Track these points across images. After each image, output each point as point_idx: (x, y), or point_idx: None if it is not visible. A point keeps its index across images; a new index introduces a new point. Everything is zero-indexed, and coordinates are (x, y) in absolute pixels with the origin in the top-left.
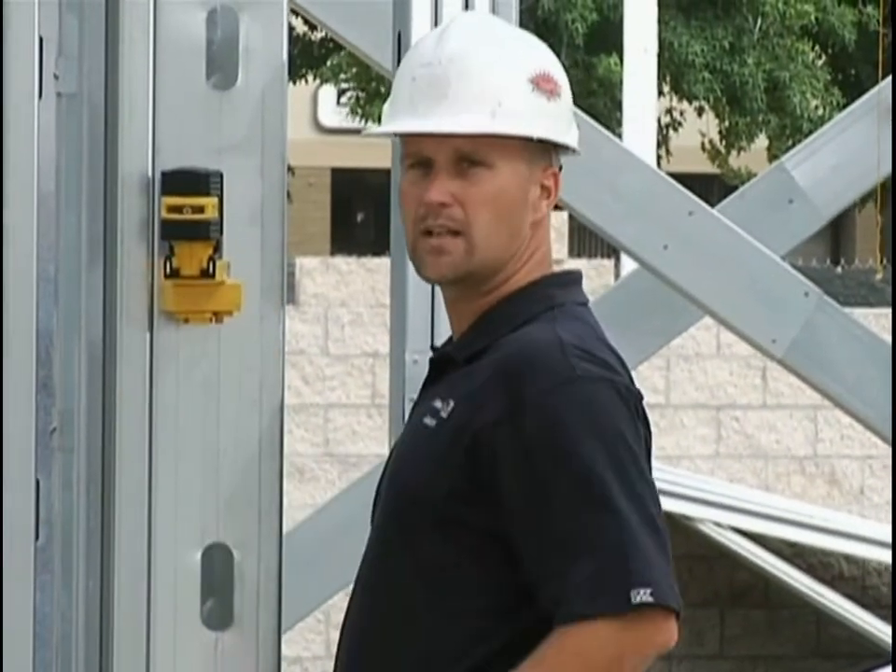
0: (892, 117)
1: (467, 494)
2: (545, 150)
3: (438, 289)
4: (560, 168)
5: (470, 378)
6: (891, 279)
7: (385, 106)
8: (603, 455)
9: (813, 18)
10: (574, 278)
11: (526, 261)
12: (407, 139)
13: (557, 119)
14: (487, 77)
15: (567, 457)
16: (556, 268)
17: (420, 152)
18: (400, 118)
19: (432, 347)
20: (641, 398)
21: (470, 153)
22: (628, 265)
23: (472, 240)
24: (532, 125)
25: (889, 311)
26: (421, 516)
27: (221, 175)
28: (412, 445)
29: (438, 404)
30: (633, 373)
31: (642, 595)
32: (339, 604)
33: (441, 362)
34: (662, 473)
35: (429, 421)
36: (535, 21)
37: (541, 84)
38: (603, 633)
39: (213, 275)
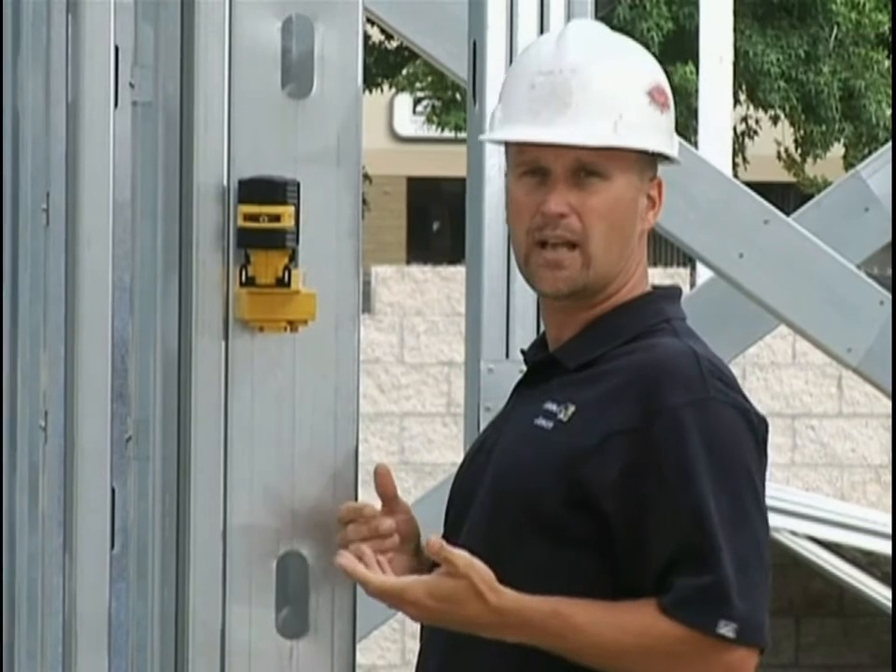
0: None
1: (580, 502)
2: (653, 161)
3: (513, 298)
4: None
5: (593, 384)
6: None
7: (497, 111)
8: (722, 484)
9: (888, 27)
10: (678, 293)
11: (633, 273)
12: (522, 147)
13: (667, 131)
14: (609, 88)
15: (687, 481)
16: None
17: (537, 161)
18: (520, 125)
19: (522, 351)
20: (767, 426)
21: (590, 164)
22: (703, 274)
23: (588, 252)
24: (649, 138)
25: None
26: (530, 520)
27: (298, 184)
28: (521, 446)
29: (552, 407)
30: None
31: (726, 629)
32: None
33: (543, 366)
34: None
35: (544, 423)
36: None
37: (656, 96)
38: (676, 636)
39: (288, 284)
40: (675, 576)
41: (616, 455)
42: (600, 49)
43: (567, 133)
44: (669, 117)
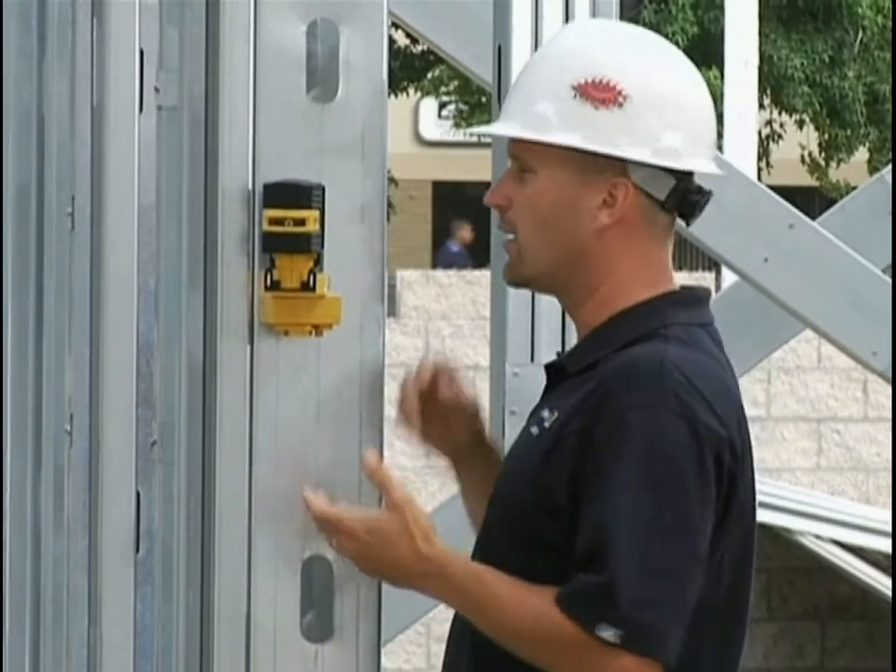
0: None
1: (549, 507)
2: (606, 161)
3: (538, 302)
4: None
5: (576, 390)
6: (891, 282)
7: None
8: (646, 492)
9: None
10: (695, 296)
11: (621, 274)
12: None
13: (608, 129)
14: (532, 80)
15: (611, 482)
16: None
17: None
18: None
19: (558, 354)
20: (725, 444)
21: (519, 157)
22: (729, 278)
23: (520, 244)
24: (560, 133)
25: None
26: (514, 530)
27: (323, 188)
28: (517, 455)
29: (545, 414)
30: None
31: (607, 633)
32: (439, 616)
33: (555, 371)
34: (762, 486)
35: (535, 430)
36: None
37: (589, 91)
38: (564, 628)
39: (313, 288)
40: (578, 571)
41: (569, 455)
42: (557, 42)
43: (492, 126)
44: (617, 115)
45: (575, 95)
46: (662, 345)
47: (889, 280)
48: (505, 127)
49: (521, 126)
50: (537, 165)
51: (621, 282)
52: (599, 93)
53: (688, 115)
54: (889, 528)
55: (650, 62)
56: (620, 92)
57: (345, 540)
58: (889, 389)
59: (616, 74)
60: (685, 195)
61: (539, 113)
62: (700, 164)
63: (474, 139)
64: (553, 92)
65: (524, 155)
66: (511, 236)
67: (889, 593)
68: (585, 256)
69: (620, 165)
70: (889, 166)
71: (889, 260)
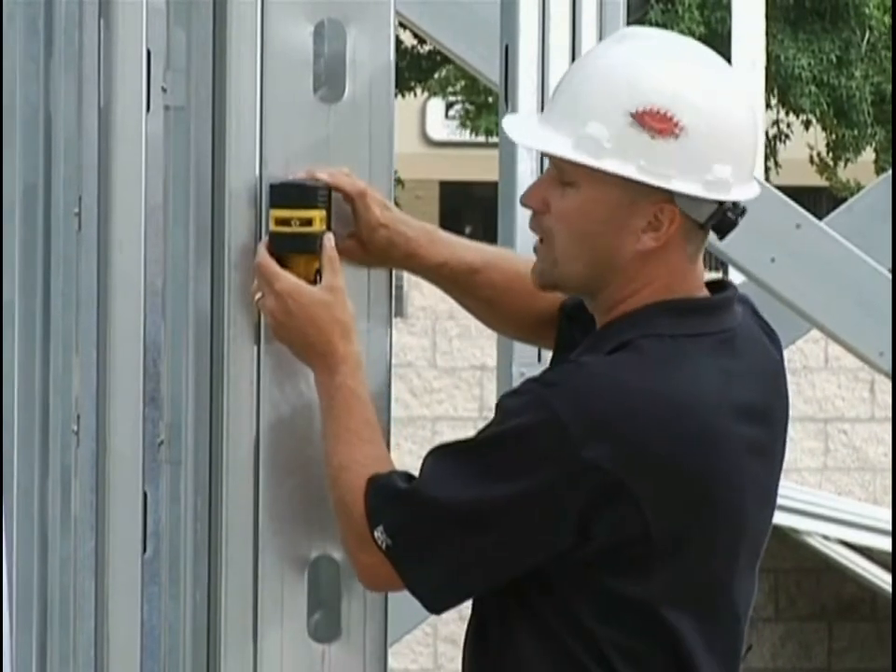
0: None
1: None
2: (653, 187)
3: None
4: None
5: None
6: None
7: None
8: (472, 443)
9: None
10: (696, 306)
11: (638, 290)
12: None
13: (662, 160)
14: (587, 98)
15: (463, 439)
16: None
17: None
18: (532, 117)
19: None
20: (584, 466)
21: (561, 169)
22: (735, 278)
23: (556, 252)
24: (613, 159)
25: None
26: None
27: (330, 189)
28: None
29: None
30: None
31: (380, 536)
32: (446, 617)
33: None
34: None
35: None
36: None
37: (646, 120)
38: (355, 501)
39: None
40: (417, 478)
41: None
42: (617, 56)
43: (531, 136)
44: (673, 146)
45: (631, 123)
46: (609, 358)
47: None
48: (556, 144)
49: (573, 146)
50: (581, 181)
51: (645, 295)
52: (656, 123)
53: (738, 144)
54: None
55: (705, 90)
56: (676, 124)
57: (271, 300)
58: None
59: (673, 104)
60: (724, 215)
61: (590, 135)
62: (745, 192)
63: (481, 139)
64: (606, 115)
65: (568, 168)
66: (541, 239)
67: None
68: (621, 272)
69: (668, 191)
70: None
71: None
